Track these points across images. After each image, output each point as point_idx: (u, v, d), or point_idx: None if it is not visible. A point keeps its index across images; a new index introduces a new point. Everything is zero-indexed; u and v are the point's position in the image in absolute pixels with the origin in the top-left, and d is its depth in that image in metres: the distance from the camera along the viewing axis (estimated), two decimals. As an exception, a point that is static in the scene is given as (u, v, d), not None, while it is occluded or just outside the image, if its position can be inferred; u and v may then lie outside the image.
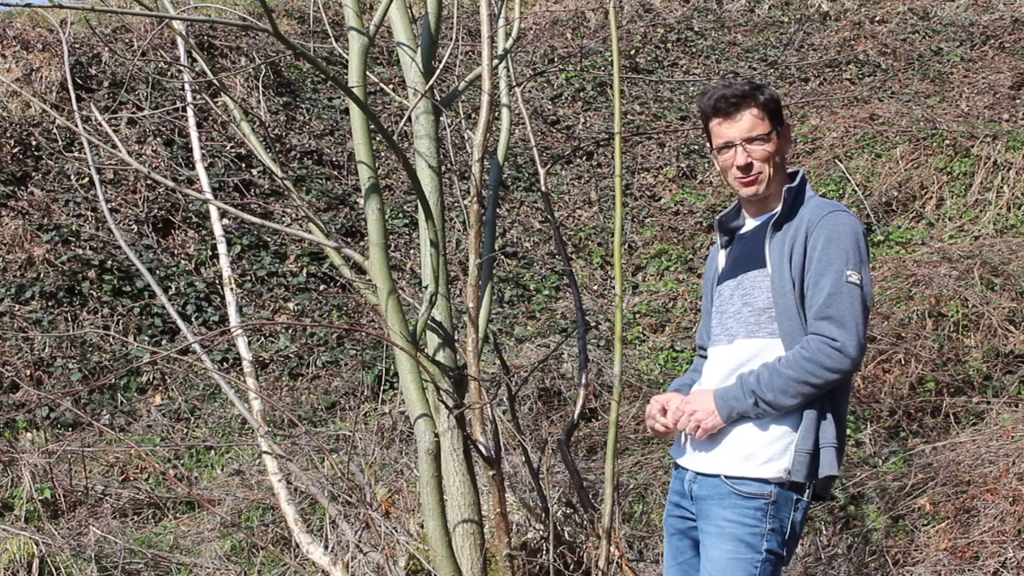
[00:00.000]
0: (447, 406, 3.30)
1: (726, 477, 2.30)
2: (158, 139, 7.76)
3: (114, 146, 5.81)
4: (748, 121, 2.38)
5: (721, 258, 2.56)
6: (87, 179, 7.25)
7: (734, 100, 2.39)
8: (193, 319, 6.63)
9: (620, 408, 3.78)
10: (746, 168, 2.39)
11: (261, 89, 8.51)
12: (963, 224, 7.08)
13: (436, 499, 3.19)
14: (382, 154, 8.33)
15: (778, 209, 2.39)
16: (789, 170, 2.51)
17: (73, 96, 4.45)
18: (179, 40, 4.79)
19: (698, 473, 2.37)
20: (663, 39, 10.75)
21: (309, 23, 9.77)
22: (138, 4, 3.83)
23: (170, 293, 6.69)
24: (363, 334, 6.57)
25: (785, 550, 2.32)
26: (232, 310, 4.78)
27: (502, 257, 7.70)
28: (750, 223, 2.51)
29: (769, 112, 2.40)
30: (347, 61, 3.40)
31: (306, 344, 6.67)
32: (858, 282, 2.26)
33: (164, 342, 6.48)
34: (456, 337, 3.57)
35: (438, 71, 3.53)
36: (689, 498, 2.41)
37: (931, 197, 7.43)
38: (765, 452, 2.28)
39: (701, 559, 2.36)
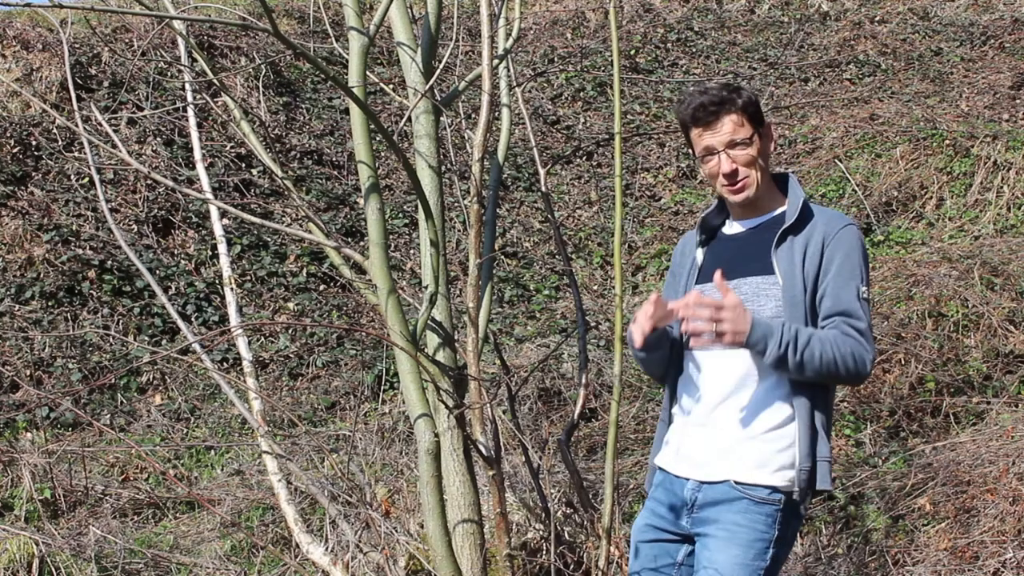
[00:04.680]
0: (447, 406, 3.29)
1: (736, 483, 2.29)
2: (158, 139, 7.76)
3: (114, 146, 5.81)
4: (728, 127, 2.35)
5: (699, 255, 2.52)
6: (87, 179, 7.25)
7: (712, 108, 2.35)
8: (193, 319, 6.63)
9: (620, 408, 3.78)
10: (731, 175, 2.38)
11: (261, 89, 8.51)
12: (963, 224, 7.07)
13: (436, 499, 3.18)
14: (382, 154, 8.33)
15: (787, 216, 2.37)
16: (779, 170, 2.50)
17: (73, 96, 4.44)
18: (179, 40, 4.79)
19: (702, 482, 2.36)
20: (663, 39, 10.75)
21: (309, 23, 9.77)
22: (138, 4, 3.83)
23: (170, 293, 6.69)
24: (363, 334, 6.57)
25: (782, 557, 2.35)
26: (232, 310, 4.78)
27: (502, 257, 7.70)
28: (736, 225, 2.48)
29: (749, 115, 2.37)
30: (347, 61, 3.40)
31: (306, 344, 6.67)
32: (868, 298, 2.31)
33: (164, 342, 6.48)
34: (456, 337, 3.57)
35: (438, 71, 3.52)
36: (687, 508, 2.38)
37: (931, 197, 7.42)
38: (775, 461, 2.28)
39: (700, 562, 2.34)
